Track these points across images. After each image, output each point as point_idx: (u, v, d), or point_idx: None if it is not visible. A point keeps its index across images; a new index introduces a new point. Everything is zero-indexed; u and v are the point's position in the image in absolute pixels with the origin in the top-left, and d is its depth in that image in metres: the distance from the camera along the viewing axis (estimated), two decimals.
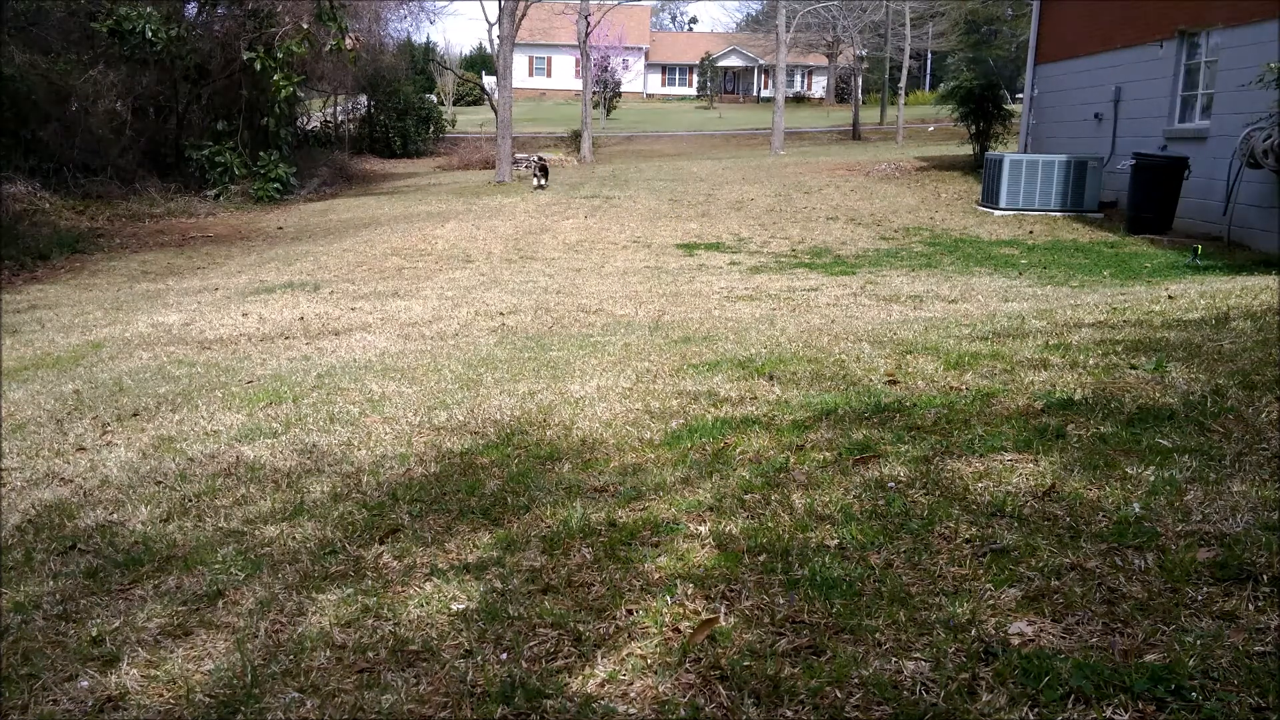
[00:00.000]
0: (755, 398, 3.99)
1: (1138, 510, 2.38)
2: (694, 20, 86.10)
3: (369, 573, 2.59)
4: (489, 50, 41.63)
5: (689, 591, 2.23)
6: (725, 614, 2.11)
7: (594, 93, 38.75)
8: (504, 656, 2.04)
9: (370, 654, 2.13)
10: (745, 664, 1.89)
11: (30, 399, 5.62)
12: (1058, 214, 13.63)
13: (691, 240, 12.90)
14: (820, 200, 16.24)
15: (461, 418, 4.19)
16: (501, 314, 8.05)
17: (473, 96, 50.89)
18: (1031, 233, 12.55)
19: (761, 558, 2.36)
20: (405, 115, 32.67)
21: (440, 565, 2.56)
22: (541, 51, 61.19)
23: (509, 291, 9.30)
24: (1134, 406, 3.21)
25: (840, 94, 54.93)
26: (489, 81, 39.69)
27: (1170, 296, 6.06)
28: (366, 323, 7.93)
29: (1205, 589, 2.00)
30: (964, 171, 18.20)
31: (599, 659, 1.99)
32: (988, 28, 52.36)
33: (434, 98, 41.03)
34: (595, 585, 2.33)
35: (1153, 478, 2.58)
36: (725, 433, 3.49)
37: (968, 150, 19.30)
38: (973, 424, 3.24)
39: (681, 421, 3.74)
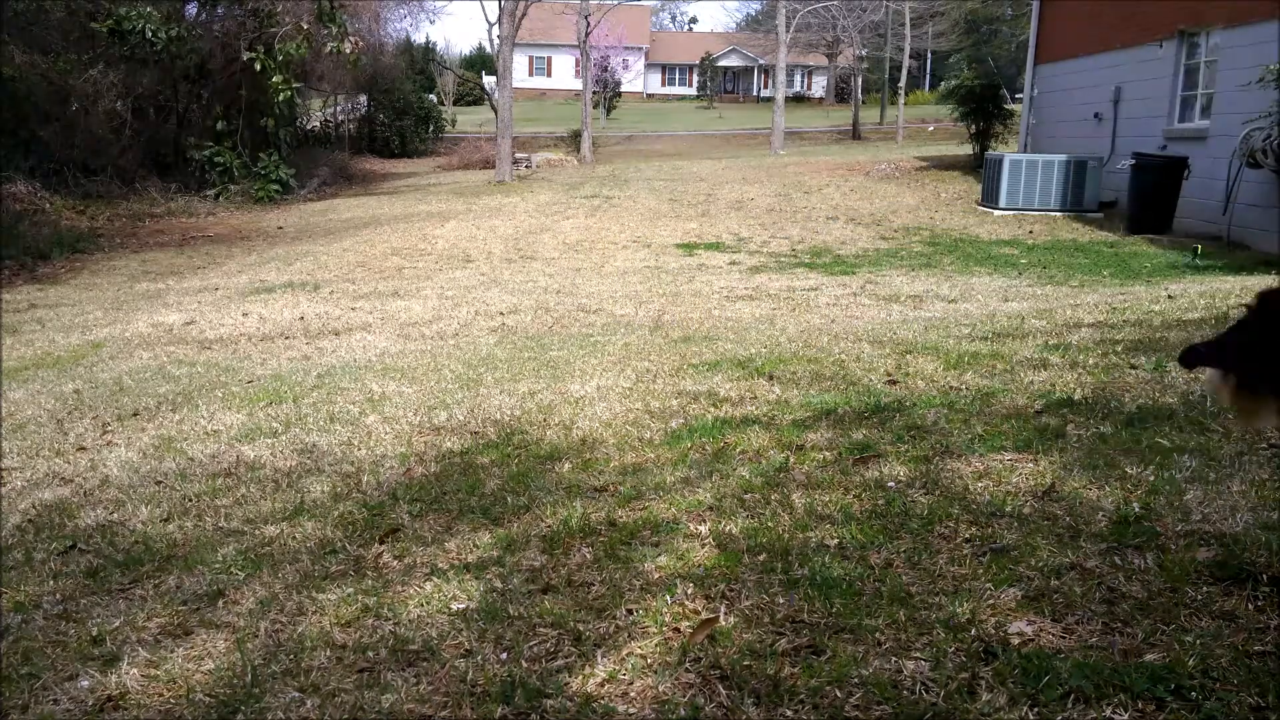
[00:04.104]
0: (755, 398, 3.99)
1: (1138, 510, 2.39)
2: (694, 20, 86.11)
3: (369, 572, 2.59)
4: (489, 50, 41.64)
5: (689, 591, 2.23)
6: (725, 614, 2.11)
7: (594, 92, 38.75)
8: (504, 656, 2.04)
9: (370, 654, 2.13)
10: (745, 664, 1.89)
11: (30, 399, 5.62)
12: (1058, 214, 13.63)
13: (691, 240, 12.90)
14: (820, 200, 16.25)
15: (461, 417, 4.19)
16: (501, 314, 8.05)
17: (473, 96, 50.87)
18: (1031, 232, 12.55)
19: (761, 557, 2.36)
20: (405, 115, 32.66)
21: (440, 565, 2.57)
22: (541, 51, 61.18)
23: (509, 291, 9.30)
24: (1134, 406, 3.21)
25: (840, 94, 54.91)
26: (489, 81, 39.70)
27: (1170, 296, 6.06)
28: (366, 322, 7.93)
29: (1205, 589, 2.00)
30: (964, 171, 18.20)
31: (599, 659, 1.99)
32: (987, 27, 52.36)
33: (434, 98, 41.00)
34: (595, 585, 2.33)
35: (1153, 478, 2.58)
36: (725, 432, 3.49)
37: (968, 150, 19.30)
38: (973, 424, 3.24)
39: (681, 421, 3.74)
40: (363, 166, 27.96)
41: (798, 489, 2.80)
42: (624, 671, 1.93)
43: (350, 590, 2.47)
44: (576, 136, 30.80)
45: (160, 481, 3.70)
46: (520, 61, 56.97)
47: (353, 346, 6.91)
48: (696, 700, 1.80)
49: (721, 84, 63.74)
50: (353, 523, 3.01)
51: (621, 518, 2.75)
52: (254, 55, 16.79)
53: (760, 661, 1.89)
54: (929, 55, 53.65)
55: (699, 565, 2.37)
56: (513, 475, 3.28)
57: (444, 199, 18.99)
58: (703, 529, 2.59)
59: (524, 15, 24.39)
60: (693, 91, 64.03)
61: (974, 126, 18.57)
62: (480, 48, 62.70)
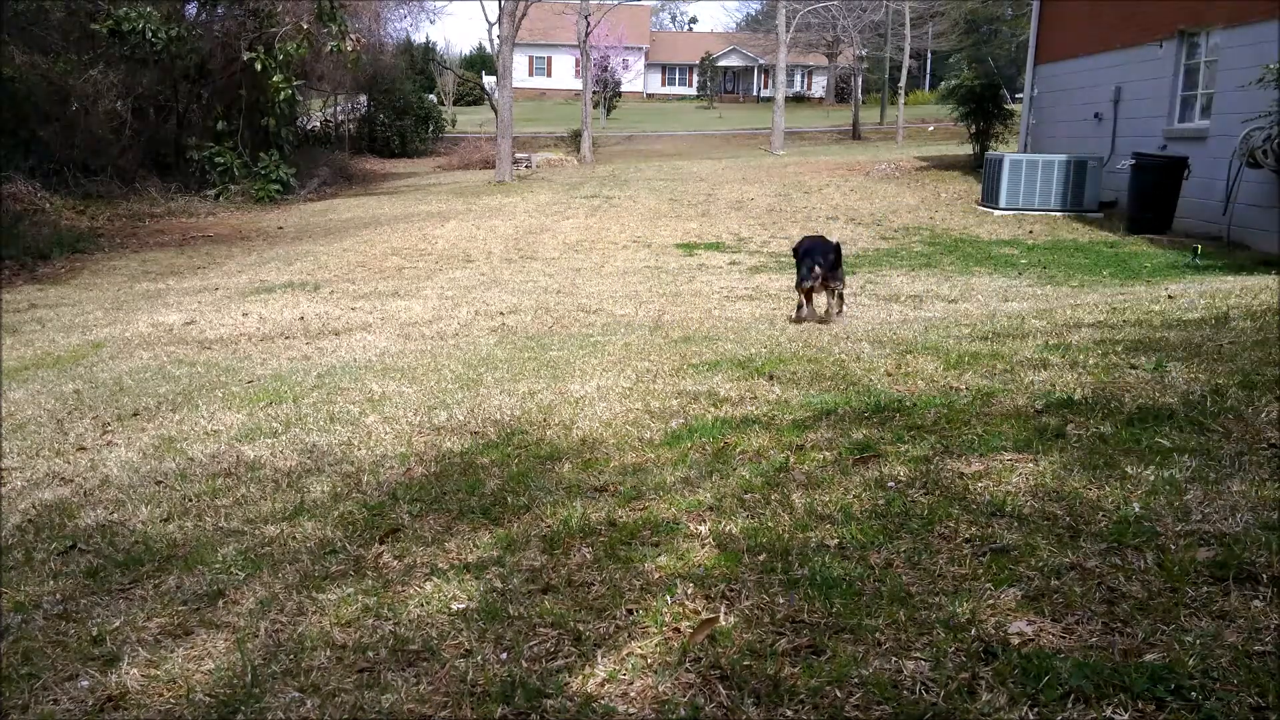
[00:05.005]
0: (755, 397, 3.99)
1: (1138, 510, 2.38)
2: (694, 20, 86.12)
3: (369, 572, 2.59)
4: (489, 50, 41.64)
5: (689, 591, 2.23)
6: (725, 614, 2.11)
7: (594, 92, 38.75)
8: (504, 656, 2.04)
9: (370, 654, 2.13)
10: (745, 664, 1.89)
11: (30, 399, 5.63)
12: (1058, 214, 13.63)
13: (691, 240, 12.90)
14: (820, 200, 16.25)
15: (461, 417, 4.19)
16: (501, 314, 8.05)
17: (473, 96, 50.87)
18: (1031, 232, 12.55)
19: (761, 557, 2.36)
20: (405, 115, 32.68)
21: (440, 565, 2.57)
22: (541, 51, 61.19)
23: (509, 291, 9.30)
24: (1134, 406, 3.21)
25: (840, 94, 54.91)
26: (489, 81, 39.70)
27: (1170, 296, 6.06)
28: (366, 322, 7.94)
29: (1205, 589, 2.00)
30: (964, 171, 18.20)
31: (599, 658, 1.99)
32: (987, 27, 52.37)
33: (434, 98, 41.01)
34: (595, 585, 2.33)
35: (1153, 478, 2.58)
36: (725, 432, 3.49)
37: (968, 150, 19.31)
38: (973, 424, 3.24)
39: (681, 421, 3.74)
40: (363, 166, 27.97)
41: (798, 489, 2.80)
42: (624, 671, 1.93)
43: (350, 590, 2.47)
44: (576, 136, 30.80)
45: (160, 481, 3.70)
46: (520, 61, 56.96)
47: (353, 346, 6.91)
48: (696, 700, 1.80)
49: (721, 84, 63.73)
50: (353, 523, 3.01)
51: (621, 518, 2.75)
52: (254, 55, 16.80)
53: (760, 661, 1.89)
54: (929, 55, 53.66)
55: (699, 565, 2.37)
56: (513, 475, 3.28)
57: (444, 199, 18.99)
58: (703, 529, 2.59)
59: (524, 15, 24.39)
60: (693, 91, 64.03)
61: (974, 126, 18.57)
62: (480, 48, 62.74)
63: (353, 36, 15.99)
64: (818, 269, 6.28)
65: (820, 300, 6.69)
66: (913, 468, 2.87)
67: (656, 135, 39.44)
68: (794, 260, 6.68)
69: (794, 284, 6.72)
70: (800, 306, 6.67)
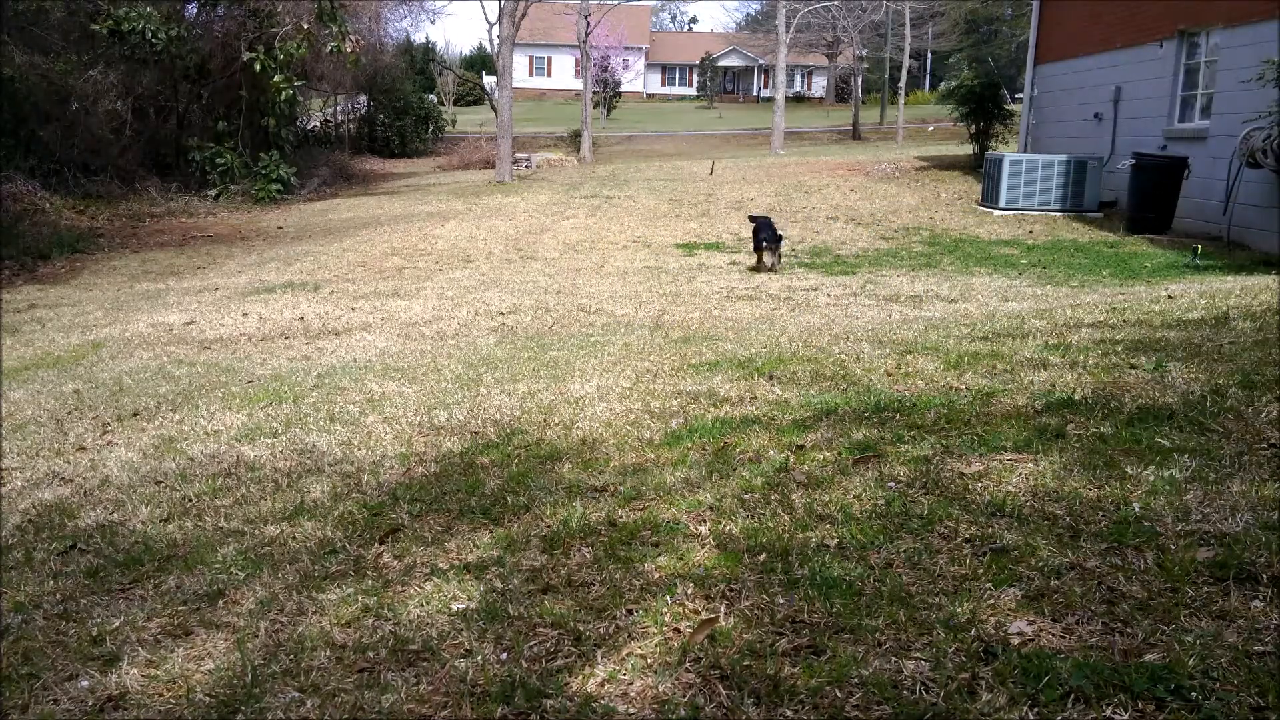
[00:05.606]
0: (755, 397, 3.99)
1: (1138, 510, 2.38)
2: (694, 20, 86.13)
3: (369, 572, 2.59)
4: (489, 50, 41.62)
5: (689, 591, 2.23)
6: (725, 614, 2.11)
7: (594, 92, 38.75)
8: (504, 656, 2.04)
9: (370, 654, 2.13)
10: (745, 664, 1.89)
11: (30, 399, 5.62)
12: (1058, 214, 13.63)
13: (691, 240, 12.90)
14: (820, 200, 16.24)
15: (461, 417, 4.19)
16: (501, 314, 8.05)
17: (473, 96, 50.87)
18: (1031, 232, 12.55)
19: (761, 557, 2.36)
20: (405, 115, 32.68)
21: (440, 565, 2.57)
22: (541, 51, 61.18)
23: (509, 291, 9.30)
24: (1134, 406, 3.21)
25: (840, 94, 54.89)
26: (489, 81, 39.69)
27: (1170, 296, 6.06)
28: (366, 322, 7.93)
29: (1205, 589, 2.00)
30: (964, 171, 18.20)
31: (599, 659, 1.99)
32: (987, 27, 52.38)
33: (434, 98, 41.01)
34: (595, 585, 2.33)
35: (1153, 478, 2.58)
36: (725, 432, 3.49)
37: (968, 150, 19.30)
38: (973, 424, 3.24)
39: (681, 421, 3.74)
40: (363, 166, 27.96)
41: (798, 489, 2.80)
42: (624, 671, 1.93)
43: (350, 590, 2.47)
44: (576, 136, 30.80)
45: (160, 481, 3.70)
46: (520, 61, 56.96)
47: (353, 346, 6.91)
48: (696, 700, 1.80)
49: (721, 84, 63.71)
50: (353, 523, 3.01)
51: (621, 518, 2.75)
52: (254, 55, 16.77)
53: (760, 661, 1.89)
54: (929, 55, 53.67)
55: (699, 565, 2.37)
56: (513, 475, 3.28)
57: (444, 199, 18.99)
58: (703, 529, 2.59)
59: (524, 15, 24.38)
60: (693, 91, 64.01)
61: (974, 126, 18.57)
62: (480, 48, 62.74)
63: (353, 37, 15.96)
64: (765, 242, 10.25)
65: (767, 258, 10.29)
66: (913, 468, 2.87)
67: (656, 135, 39.43)
68: (752, 232, 10.69)
69: (752, 248, 10.70)
70: (759, 262, 10.46)
